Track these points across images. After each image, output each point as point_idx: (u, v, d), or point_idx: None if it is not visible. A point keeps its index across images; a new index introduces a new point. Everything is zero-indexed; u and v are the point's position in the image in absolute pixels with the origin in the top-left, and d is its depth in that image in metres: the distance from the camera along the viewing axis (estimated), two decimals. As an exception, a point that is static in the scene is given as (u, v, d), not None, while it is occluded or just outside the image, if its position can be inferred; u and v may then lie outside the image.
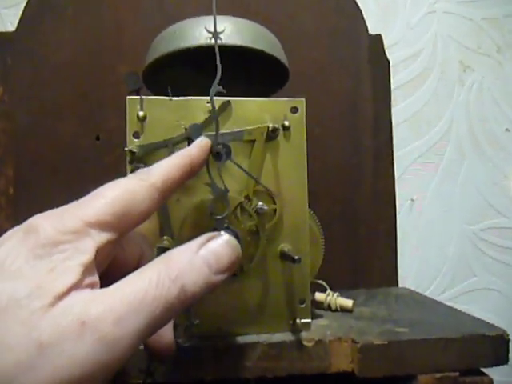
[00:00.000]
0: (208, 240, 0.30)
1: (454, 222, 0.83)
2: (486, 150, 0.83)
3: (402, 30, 0.82)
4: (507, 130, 0.82)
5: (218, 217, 0.38)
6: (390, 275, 0.78)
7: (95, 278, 0.26)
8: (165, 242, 0.46)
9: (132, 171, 0.47)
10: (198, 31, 0.50)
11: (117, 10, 0.75)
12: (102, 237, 0.26)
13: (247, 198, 0.49)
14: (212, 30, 0.41)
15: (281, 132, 0.50)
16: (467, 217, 0.82)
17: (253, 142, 0.50)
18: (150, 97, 0.50)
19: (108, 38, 0.74)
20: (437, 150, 0.83)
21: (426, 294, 0.81)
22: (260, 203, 0.48)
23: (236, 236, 0.33)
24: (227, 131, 0.49)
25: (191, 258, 0.28)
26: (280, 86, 0.62)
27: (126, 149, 0.46)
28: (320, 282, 0.60)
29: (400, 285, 0.79)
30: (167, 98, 0.50)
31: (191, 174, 0.34)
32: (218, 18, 0.48)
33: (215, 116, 0.41)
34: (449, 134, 0.83)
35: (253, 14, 0.76)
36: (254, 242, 0.49)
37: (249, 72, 0.63)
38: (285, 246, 0.50)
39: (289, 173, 0.51)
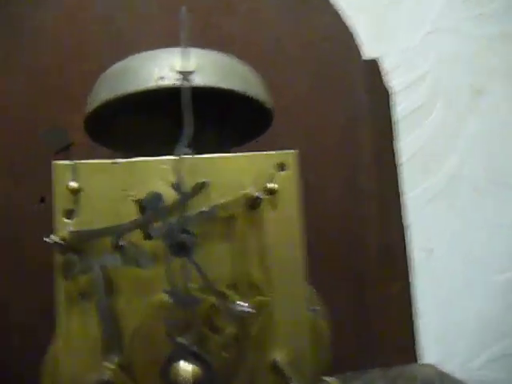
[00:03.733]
0: None
1: (479, 273, 0.70)
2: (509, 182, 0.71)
3: (401, 52, 0.71)
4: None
5: (180, 340, 0.25)
6: (407, 348, 0.65)
7: None
8: (107, 372, 0.32)
9: (64, 266, 0.34)
10: (147, 70, 0.38)
11: (58, 44, 0.62)
12: None
13: (221, 295, 0.36)
14: (178, 67, 0.29)
15: (265, 198, 0.37)
16: (494, 265, 0.70)
17: (231, 217, 0.37)
18: (85, 161, 0.37)
19: (48, 79, 0.61)
20: (451, 189, 0.70)
21: (451, 364, 0.68)
22: (238, 303, 0.35)
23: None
24: (195, 211, 0.36)
25: None
26: (260, 130, 0.50)
27: (48, 239, 0.32)
28: (328, 380, 0.46)
29: (420, 355, 0.65)
30: (109, 160, 0.37)
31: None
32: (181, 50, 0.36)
33: (183, 198, 0.28)
34: (461, 172, 0.71)
35: (227, 41, 0.64)
36: (236, 353, 0.36)
37: (221, 114, 0.51)
38: (278, 356, 0.37)
39: (279, 252, 0.38)
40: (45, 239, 0.32)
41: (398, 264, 0.65)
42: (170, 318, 0.33)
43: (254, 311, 0.35)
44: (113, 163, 0.37)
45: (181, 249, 0.28)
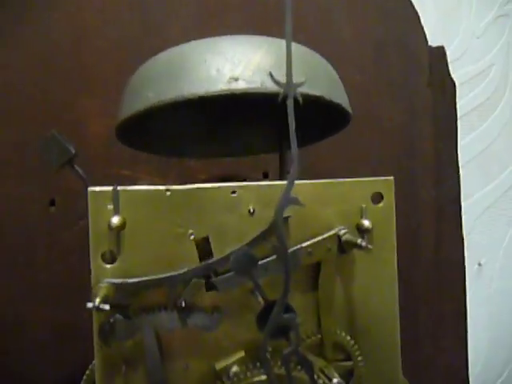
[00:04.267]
0: None
1: (533, 290, 0.64)
2: None
3: (465, 40, 0.61)
4: None
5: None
6: (458, 370, 0.59)
7: None
8: None
9: (104, 331, 0.26)
10: (214, 67, 0.28)
11: (75, 21, 0.51)
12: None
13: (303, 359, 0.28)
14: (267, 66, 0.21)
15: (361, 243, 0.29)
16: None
17: (317, 264, 0.29)
18: (129, 188, 0.28)
19: (64, 62, 0.51)
20: (510, 196, 0.63)
21: (498, 382, 0.63)
22: (335, 380, 0.27)
23: None
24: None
25: None
26: (332, 130, 0.41)
27: (90, 304, 0.24)
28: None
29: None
30: (161, 187, 0.28)
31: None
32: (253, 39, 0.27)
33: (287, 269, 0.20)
34: (525, 176, 0.63)
35: (271, 19, 0.54)
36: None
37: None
38: None
39: (372, 305, 0.30)
40: (87, 305, 0.23)
41: (453, 282, 0.58)
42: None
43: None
44: (166, 190, 0.28)
45: (279, 331, 0.20)
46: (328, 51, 0.55)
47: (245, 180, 0.29)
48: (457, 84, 0.60)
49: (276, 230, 0.20)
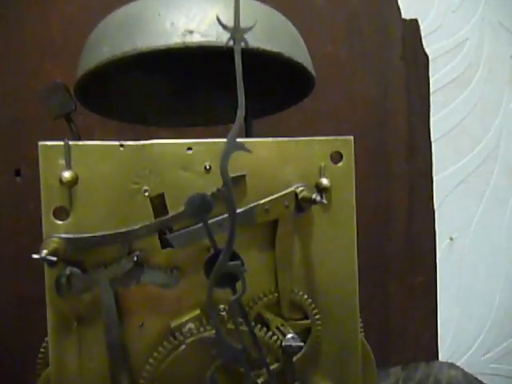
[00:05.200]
0: None
1: (502, 265, 0.65)
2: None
3: (440, 13, 0.61)
4: None
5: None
6: (428, 343, 0.60)
7: None
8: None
9: (60, 281, 0.25)
10: (168, 20, 0.28)
11: None
12: None
13: (259, 316, 0.28)
14: (221, 19, 0.20)
15: (315, 198, 0.29)
16: (519, 257, 0.65)
17: (274, 222, 0.29)
18: (81, 142, 0.27)
19: (31, 28, 0.49)
20: (482, 172, 0.64)
21: (467, 355, 0.64)
22: (290, 335, 0.27)
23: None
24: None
25: None
26: (298, 96, 0.40)
27: (36, 255, 0.23)
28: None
29: (439, 347, 0.61)
30: (115, 142, 0.28)
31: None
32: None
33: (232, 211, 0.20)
34: (497, 152, 0.64)
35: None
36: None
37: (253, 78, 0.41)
38: (326, 389, 0.30)
39: (330, 265, 0.30)
40: (33, 256, 0.23)
41: (424, 254, 0.59)
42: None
43: (303, 345, 0.27)
44: (120, 145, 0.28)
45: (226, 280, 0.20)
46: (300, 19, 0.54)
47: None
48: (431, 58, 0.60)
49: (222, 174, 0.20)
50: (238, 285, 0.22)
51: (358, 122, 0.56)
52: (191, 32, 0.27)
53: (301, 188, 0.29)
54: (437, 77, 0.61)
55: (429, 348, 0.60)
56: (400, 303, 0.58)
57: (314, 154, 0.30)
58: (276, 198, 0.29)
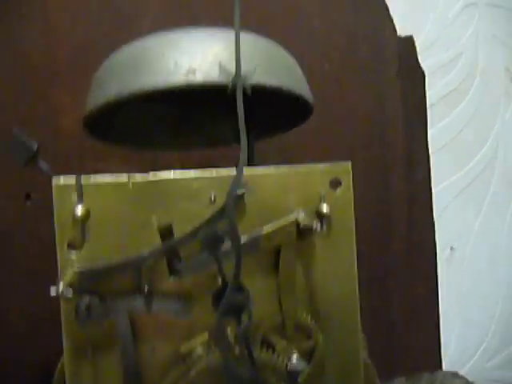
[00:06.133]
0: None
1: (503, 273, 0.66)
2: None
3: (435, 29, 0.63)
4: None
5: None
6: (431, 352, 0.61)
7: None
8: None
9: (78, 310, 0.27)
10: (172, 60, 0.29)
11: (46, 18, 0.52)
12: None
13: (265, 340, 0.29)
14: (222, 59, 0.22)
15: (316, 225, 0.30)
16: (519, 266, 0.66)
17: (277, 248, 0.30)
18: (93, 177, 0.29)
19: (37, 57, 0.51)
20: (480, 182, 0.65)
21: (471, 362, 0.65)
22: (294, 359, 0.28)
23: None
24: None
25: None
26: (296, 120, 0.42)
27: (53, 290, 0.25)
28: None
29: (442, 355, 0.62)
30: (124, 178, 0.29)
31: None
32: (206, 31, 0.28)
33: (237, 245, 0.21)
34: (494, 162, 0.65)
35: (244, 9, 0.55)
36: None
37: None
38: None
39: (332, 288, 0.32)
40: (51, 294, 0.24)
41: (424, 265, 0.60)
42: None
43: (307, 366, 0.29)
44: (129, 181, 0.29)
45: (231, 310, 0.22)
46: (297, 40, 0.56)
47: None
48: (426, 73, 0.61)
49: (227, 214, 0.21)
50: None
51: (356, 136, 0.57)
52: (194, 71, 0.29)
53: (302, 215, 0.30)
54: (433, 90, 0.62)
55: (432, 357, 0.61)
56: (402, 314, 0.59)
57: (314, 181, 0.31)
58: (278, 225, 0.30)
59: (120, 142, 0.43)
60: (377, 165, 0.58)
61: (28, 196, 0.51)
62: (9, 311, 0.51)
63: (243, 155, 0.22)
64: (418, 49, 0.60)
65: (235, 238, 0.22)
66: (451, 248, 0.64)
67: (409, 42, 0.58)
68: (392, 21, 0.58)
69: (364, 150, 0.57)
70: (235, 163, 0.53)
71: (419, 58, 0.61)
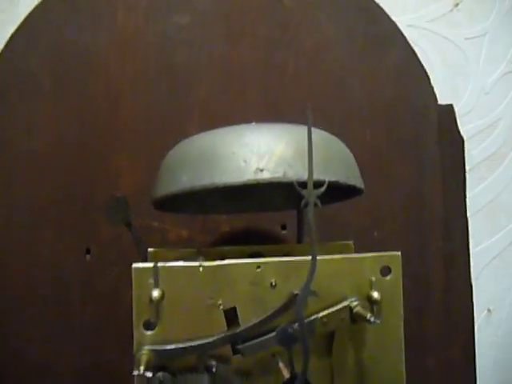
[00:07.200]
0: None
1: (541, 336, 0.66)
2: None
3: (474, 96, 0.65)
4: None
5: None
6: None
7: None
8: None
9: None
10: (242, 158, 0.33)
11: (110, 77, 0.57)
12: None
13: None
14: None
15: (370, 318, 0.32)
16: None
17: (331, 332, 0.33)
18: (168, 264, 0.32)
19: (100, 121, 0.56)
20: (517, 245, 0.65)
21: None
22: None
23: None
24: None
25: None
26: (341, 199, 0.45)
27: (136, 373, 0.28)
28: None
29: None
30: (195, 263, 0.32)
31: None
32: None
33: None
34: (532, 225, 0.66)
35: (289, 81, 0.59)
36: None
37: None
38: None
39: (381, 369, 0.34)
40: (134, 374, 0.27)
41: (461, 328, 0.61)
42: None
43: None
44: (199, 265, 0.32)
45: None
46: (341, 111, 0.60)
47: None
48: (465, 138, 0.63)
49: (298, 319, 0.24)
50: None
51: (395, 203, 0.60)
52: (262, 170, 0.32)
53: (354, 302, 0.33)
54: (471, 155, 0.64)
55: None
56: (439, 378, 0.59)
57: (365, 269, 0.34)
58: (333, 311, 0.32)
59: (178, 210, 0.47)
60: (415, 229, 0.59)
61: (88, 250, 0.55)
62: (56, 363, 0.54)
63: (313, 265, 0.24)
64: (457, 114, 0.63)
65: (305, 343, 0.25)
66: (488, 310, 0.65)
67: (449, 109, 0.61)
68: (433, 89, 0.61)
69: (403, 216, 0.59)
70: (281, 225, 0.55)
71: (458, 123, 0.63)
